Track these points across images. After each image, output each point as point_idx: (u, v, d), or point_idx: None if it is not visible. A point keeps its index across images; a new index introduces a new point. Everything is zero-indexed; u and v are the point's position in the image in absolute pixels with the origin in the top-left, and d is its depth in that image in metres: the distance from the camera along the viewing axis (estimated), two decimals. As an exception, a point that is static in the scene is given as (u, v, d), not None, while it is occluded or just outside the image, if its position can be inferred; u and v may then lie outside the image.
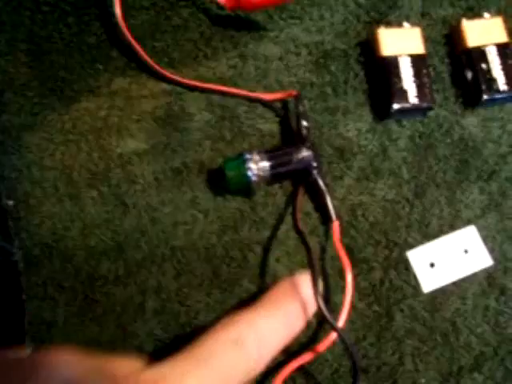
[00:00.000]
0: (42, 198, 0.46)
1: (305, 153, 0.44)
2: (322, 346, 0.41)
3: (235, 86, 0.47)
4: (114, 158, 0.46)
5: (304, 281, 0.38)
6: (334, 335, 0.40)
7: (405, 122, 0.48)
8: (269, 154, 0.43)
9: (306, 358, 0.41)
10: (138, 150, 0.46)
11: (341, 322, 0.40)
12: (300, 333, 0.38)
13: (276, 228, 0.45)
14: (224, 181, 0.44)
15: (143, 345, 0.44)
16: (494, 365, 0.44)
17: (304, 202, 0.46)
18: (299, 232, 0.45)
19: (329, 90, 0.48)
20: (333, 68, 0.49)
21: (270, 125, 0.47)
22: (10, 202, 0.46)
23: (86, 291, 0.44)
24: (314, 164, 0.44)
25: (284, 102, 0.48)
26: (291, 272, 0.44)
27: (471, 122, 0.49)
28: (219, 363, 0.29)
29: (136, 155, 0.46)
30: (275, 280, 0.44)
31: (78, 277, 0.44)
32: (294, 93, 0.46)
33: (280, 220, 0.45)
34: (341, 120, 0.48)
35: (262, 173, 0.43)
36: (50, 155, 0.46)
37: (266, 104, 0.47)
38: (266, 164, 0.43)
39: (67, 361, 0.26)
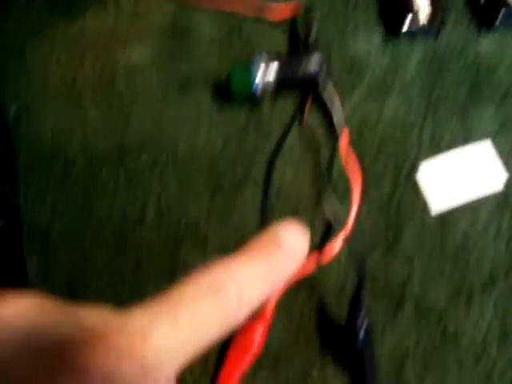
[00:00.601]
0: (44, 106, 0.45)
1: (313, 60, 0.43)
2: (327, 255, 0.40)
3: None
4: (119, 68, 0.45)
5: (293, 230, 0.35)
6: (338, 244, 0.39)
7: (416, 43, 0.47)
8: (277, 59, 0.42)
9: (309, 269, 0.39)
10: (144, 62, 0.46)
11: (349, 225, 0.38)
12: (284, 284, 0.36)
13: (282, 140, 0.44)
14: (230, 89, 0.43)
15: (142, 255, 0.42)
16: (506, 284, 0.42)
17: (312, 115, 0.44)
18: (307, 137, 0.43)
19: (339, 6, 0.47)
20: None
21: (278, 38, 0.46)
22: (12, 110, 0.45)
23: (86, 198, 0.43)
24: (323, 72, 0.42)
25: (292, 18, 0.47)
26: (296, 183, 0.43)
27: (485, 44, 0.48)
28: (194, 310, 0.26)
29: (141, 66, 0.45)
30: (279, 192, 0.43)
31: (77, 184, 0.43)
32: (301, 5, 0.45)
33: (286, 133, 0.44)
34: (351, 36, 0.47)
35: (268, 78, 0.42)
36: (54, 66, 0.46)
37: (275, 17, 0.46)
38: (273, 68, 0.42)
39: (26, 307, 0.24)
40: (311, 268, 0.39)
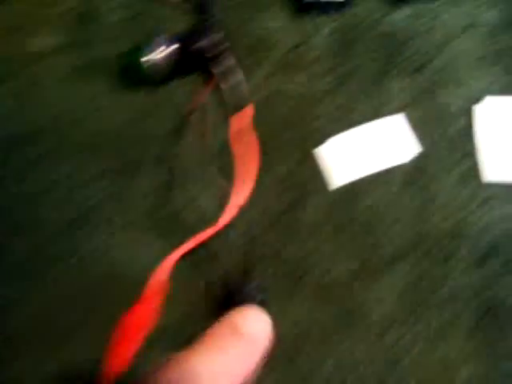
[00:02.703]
0: None
1: (210, 39, 0.43)
2: (218, 227, 0.39)
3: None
4: (25, 55, 0.46)
5: (253, 318, 0.33)
6: (231, 213, 0.38)
7: (327, 16, 0.47)
8: (171, 40, 0.42)
9: (204, 236, 0.39)
10: (49, 48, 0.46)
11: (238, 199, 0.38)
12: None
13: (180, 120, 0.44)
14: (128, 71, 0.43)
15: (40, 240, 0.42)
16: (412, 258, 0.41)
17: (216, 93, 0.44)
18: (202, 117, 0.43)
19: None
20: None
21: (181, 19, 0.46)
22: None
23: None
24: (221, 50, 0.42)
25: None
26: (193, 159, 0.43)
27: (396, 18, 0.47)
28: None
29: (47, 53, 0.46)
30: (177, 169, 0.42)
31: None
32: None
33: (182, 115, 0.44)
34: (258, 13, 0.47)
35: (159, 58, 0.42)
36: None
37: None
38: (166, 49, 0.42)
39: None
40: (205, 239, 0.39)
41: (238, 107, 0.42)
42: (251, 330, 0.31)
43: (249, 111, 0.41)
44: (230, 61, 0.42)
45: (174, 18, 0.46)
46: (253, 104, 0.43)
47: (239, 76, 0.42)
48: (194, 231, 0.41)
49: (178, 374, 0.28)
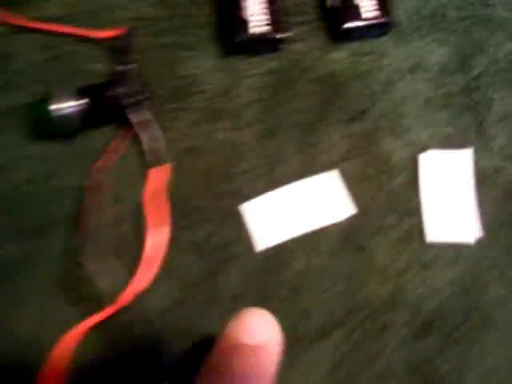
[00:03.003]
0: None
1: (125, 87, 0.39)
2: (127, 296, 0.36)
3: (68, 24, 0.42)
4: None
5: (253, 324, 0.29)
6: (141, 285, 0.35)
7: (256, 59, 0.43)
8: (77, 92, 0.39)
9: (110, 311, 0.36)
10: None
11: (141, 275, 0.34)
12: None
13: (95, 175, 0.40)
14: (38, 122, 0.39)
15: None
16: (342, 332, 0.37)
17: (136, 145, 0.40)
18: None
19: (168, 26, 0.43)
20: (173, 2, 0.44)
21: (99, 64, 0.42)
22: None
23: None
24: (129, 102, 0.39)
25: (116, 40, 0.42)
26: (110, 220, 0.39)
27: (336, 57, 0.43)
28: None
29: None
30: (90, 219, 0.39)
31: None
32: (125, 29, 0.41)
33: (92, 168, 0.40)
34: (182, 57, 0.43)
35: (69, 110, 0.38)
36: None
37: (97, 43, 0.42)
38: (73, 102, 0.38)
39: None
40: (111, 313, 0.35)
41: (155, 163, 0.38)
42: (260, 338, 0.28)
43: (165, 172, 0.38)
44: (146, 115, 0.38)
45: (95, 61, 0.42)
46: (171, 159, 0.39)
47: (156, 131, 0.39)
48: (105, 298, 0.37)
49: None
